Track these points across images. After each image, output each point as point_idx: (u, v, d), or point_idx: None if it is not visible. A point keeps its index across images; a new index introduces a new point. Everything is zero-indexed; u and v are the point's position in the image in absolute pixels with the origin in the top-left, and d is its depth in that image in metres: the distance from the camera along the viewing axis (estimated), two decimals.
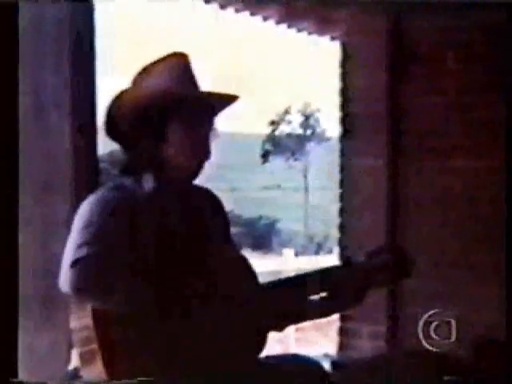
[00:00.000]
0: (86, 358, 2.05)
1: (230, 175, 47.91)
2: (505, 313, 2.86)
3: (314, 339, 6.87)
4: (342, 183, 5.43)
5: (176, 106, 2.23)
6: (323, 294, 2.39)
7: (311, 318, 2.49)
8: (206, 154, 2.28)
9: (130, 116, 2.23)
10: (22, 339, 2.40)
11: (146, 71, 2.28)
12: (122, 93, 2.26)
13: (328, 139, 37.01)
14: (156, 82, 2.25)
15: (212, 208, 2.40)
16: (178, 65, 2.28)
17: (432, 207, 5.06)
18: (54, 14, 2.87)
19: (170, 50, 2.32)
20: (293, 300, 2.34)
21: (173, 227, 2.23)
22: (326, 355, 5.49)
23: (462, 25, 4.85)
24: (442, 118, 5.03)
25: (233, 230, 2.50)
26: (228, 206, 2.48)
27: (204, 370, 2.12)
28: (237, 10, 4.87)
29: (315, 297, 2.39)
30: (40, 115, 2.92)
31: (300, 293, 2.35)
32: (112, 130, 2.28)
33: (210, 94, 2.29)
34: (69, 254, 2.02)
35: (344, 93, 5.38)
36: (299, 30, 5.41)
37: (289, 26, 5.30)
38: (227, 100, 2.31)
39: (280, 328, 2.38)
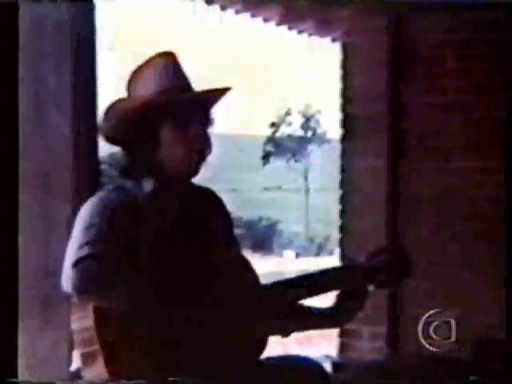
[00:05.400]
0: (87, 359, 2.05)
1: (230, 176, 47.88)
2: (505, 313, 2.86)
3: (314, 340, 6.86)
4: (342, 184, 5.43)
5: (166, 111, 2.22)
6: (327, 306, 2.39)
7: (314, 325, 2.49)
8: (202, 152, 2.27)
9: (124, 123, 2.23)
10: (22, 340, 2.40)
11: (135, 75, 2.27)
12: (116, 102, 2.26)
13: (328, 140, 37.05)
14: (145, 88, 2.24)
15: (213, 208, 2.40)
16: (166, 66, 2.27)
17: (432, 207, 5.06)
18: (54, 13, 2.87)
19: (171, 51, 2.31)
20: (293, 301, 2.34)
21: (173, 228, 2.23)
22: (327, 356, 5.48)
23: (462, 25, 4.86)
24: (442, 117, 5.03)
25: (234, 231, 2.49)
26: (229, 207, 2.48)
27: (204, 370, 2.12)
28: (237, 12, 4.87)
29: (320, 308, 2.39)
30: (40, 115, 2.92)
31: (300, 294, 2.35)
32: (108, 138, 2.29)
33: (199, 93, 2.29)
34: (70, 254, 2.03)
35: (344, 94, 5.38)
36: (300, 32, 5.41)
37: (289, 28, 5.31)
38: (219, 94, 2.30)
39: (285, 332, 2.37)
